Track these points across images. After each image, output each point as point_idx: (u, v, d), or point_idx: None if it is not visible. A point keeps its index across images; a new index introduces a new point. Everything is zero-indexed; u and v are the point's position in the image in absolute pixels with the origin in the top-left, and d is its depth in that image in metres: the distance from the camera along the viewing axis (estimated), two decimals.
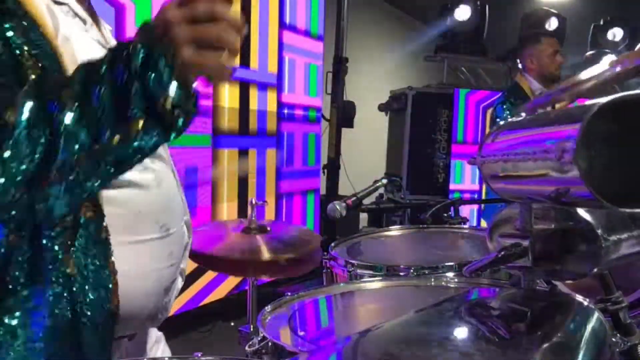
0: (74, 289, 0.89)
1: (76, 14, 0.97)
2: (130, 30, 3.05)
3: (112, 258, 0.93)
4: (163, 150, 1.06)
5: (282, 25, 4.50)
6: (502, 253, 0.77)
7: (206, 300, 3.85)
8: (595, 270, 0.77)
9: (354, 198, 1.85)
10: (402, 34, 7.88)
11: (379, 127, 6.43)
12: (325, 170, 5.29)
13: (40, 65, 0.84)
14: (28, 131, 0.70)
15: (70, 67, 0.85)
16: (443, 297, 0.81)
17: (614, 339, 0.85)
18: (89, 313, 0.90)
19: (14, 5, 0.84)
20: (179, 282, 1.14)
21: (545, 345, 0.64)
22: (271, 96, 4.40)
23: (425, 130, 5.70)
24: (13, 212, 0.74)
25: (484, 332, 0.67)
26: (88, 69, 0.75)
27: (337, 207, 1.79)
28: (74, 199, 0.76)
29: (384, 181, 1.99)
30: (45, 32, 0.86)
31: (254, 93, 4.19)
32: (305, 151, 4.96)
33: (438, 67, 6.60)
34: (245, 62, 4.08)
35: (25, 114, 0.71)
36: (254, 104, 4.22)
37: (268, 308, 1.17)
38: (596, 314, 0.71)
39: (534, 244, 0.77)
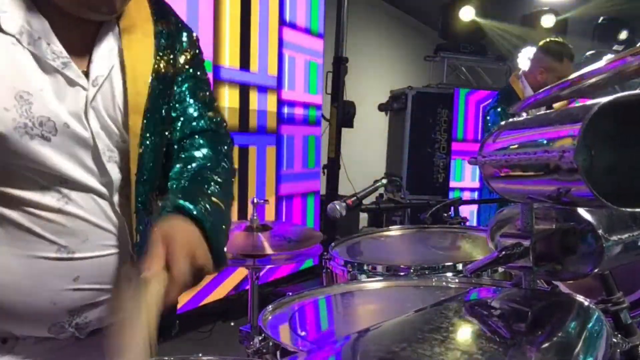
0: None
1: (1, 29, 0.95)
2: None
3: None
4: (94, 180, 1.02)
5: (282, 22, 4.51)
6: (503, 253, 0.77)
7: (206, 300, 3.85)
8: (596, 270, 0.77)
9: (354, 198, 1.85)
10: (402, 34, 7.88)
11: (379, 127, 6.43)
12: (325, 170, 5.29)
13: None
14: None
15: None
16: (443, 297, 0.81)
17: (615, 340, 0.85)
18: None
19: None
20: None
21: (546, 345, 0.64)
22: (271, 98, 4.42)
23: (425, 130, 5.71)
24: None
25: (485, 332, 0.67)
26: None
27: (337, 207, 1.79)
28: None
29: (384, 181, 1.99)
30: None
31: (254, 96, 4.21)
32: (305, 153, 4.97)
33: (438, 67, 6.61)
34: (245, 65, 4.09)
35: None
36: (254, 104, 4.22)
37: (269, 308, 1.17)
38: (597, 315, 0.71)
39: (535, 244, 0.77)
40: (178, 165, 1.11)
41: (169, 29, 1.15)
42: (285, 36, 4.57)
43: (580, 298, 0.77)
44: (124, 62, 1.07)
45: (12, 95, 0.94)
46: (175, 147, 1.14)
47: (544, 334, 0.66)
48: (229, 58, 3.98)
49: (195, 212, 0.96)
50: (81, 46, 1.03)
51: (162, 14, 1.16)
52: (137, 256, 1.09)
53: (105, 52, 1.06)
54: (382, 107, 6.16)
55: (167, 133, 1.14)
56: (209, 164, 1.12)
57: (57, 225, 0.99)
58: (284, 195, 4.67)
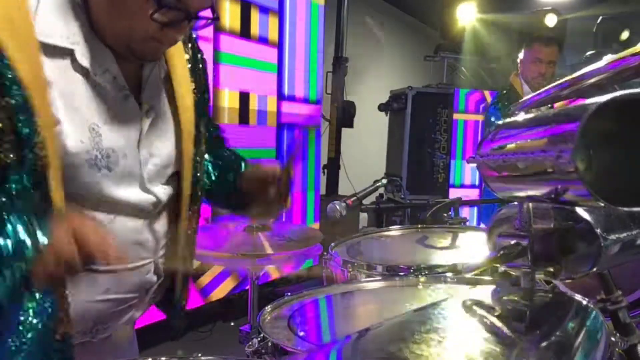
0: None
1: (74, 60, 0.96)
2: None
3: None
4: (139, 203, 1.07)
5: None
6: (502, 252, 0.77)
7: (206, 300, 3.85)
8: (594, 269, 0.77)
9: (354, 198, 1.85)
10: (402, 34, 7.88)
11: (379, 127, 6.43)
12: (325, 170, 5.30)
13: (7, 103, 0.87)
14: None
15: (41, 109, 0.89)
16: (442, 297, 0.81)
17: (613, 339, 0.85)
18: None
19: None
20: (135, 313, 1.16)
21: (544, 344, 0.64)
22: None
23: (425, 130, 5.71)
24: None
25: (483, 332, 0.67)
26: None
27: (337, 207, 1.79)
28: None
29: (384, 181, 2.00)
30: (19, 74, 0.87)
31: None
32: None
33: (438, 67, 6.61)
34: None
35: None
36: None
37: (268, 308, 1.17)
38: (595, 314, 0.71)
39: (533, 244, 0.77)
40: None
41: (193, 51, 1.22)
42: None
43: (578, 297, 0.77)
44: (173, 91, 1.13)
45: (86, 127, 0.96)
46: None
47: (543, 333, 0.66)
48: None
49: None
50: (132, 76, 1.06)
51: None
52: (189, 263, 1.22)
53: (153, 80, 1.10)
54: (382, 107, 6.16)
55: (205, 153, 1.26)
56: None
57: None
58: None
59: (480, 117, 5.73)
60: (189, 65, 1.19)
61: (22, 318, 0.93)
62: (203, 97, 1.24)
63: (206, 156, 1.30)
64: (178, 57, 1.16)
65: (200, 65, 1.24)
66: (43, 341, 0.95)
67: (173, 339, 1.29)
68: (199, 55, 1.24)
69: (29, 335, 0.94)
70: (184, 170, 1.15)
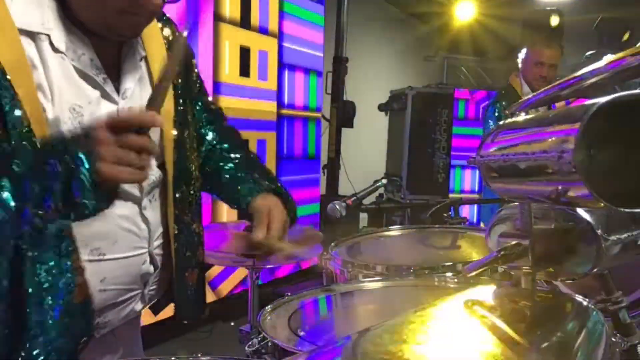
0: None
1: (51, 45, 0.99)
2: None
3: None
4: (130, 187, 1.08)
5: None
6: (502, 253, 0.77)
7: (206, 301, 3.85)
8: (595, 270, 0.77)
9: (354, 198, 1.85)
10: (402, 34, 7.89)
11: (379, 127, 6.43)
12: (325, 170, 5.30)
13: None
14: None
15: (24, 92, 0.93)
16: (442, 297, 0.81)
17: (613, 339, 0.85)
18: None
19: None
20: (136, 306, 1.17)
21: (545, 345, 0.64)
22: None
23: (425, 130, 5.70)
24: None
25: (484, 332, 0.67)
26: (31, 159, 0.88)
27: (337, 207, 1.79)
28: None
29: (384, 181, 2.00)
30: None
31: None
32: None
33: (438, 67, 6.61)
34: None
35: None
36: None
37: (268, 308, 1.17)
38: (596, 314, 0.71)
39: (534, 244, 0.77)
40: (230, 165, 1.36)
41: (169, 32, 1.24)
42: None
43: (579, 298, 0.77)
44: (151, 72, 1.16)
45: (67, 108, 1.00)
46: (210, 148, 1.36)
47: (543, 334, 0.66)
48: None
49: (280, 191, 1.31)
50: (110, 60, 1.09)
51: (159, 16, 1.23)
52: (175, 248, 1.21)
53: (132, 64, 1.12)
54: (382, 107, 6.16)
55: (194, 134, 1.27)
56: (246, 159, 1.38)
57: (93, 227, 1.04)
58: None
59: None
60: (166, 47, 1.21)
61: (41, 279, 0.96)
62: (187, 78, 1.25)
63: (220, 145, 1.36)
64: (155, 40, 1.19)
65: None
66: (63, 302, 0.98)
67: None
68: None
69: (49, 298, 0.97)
70: (165, 153, 1.17)
